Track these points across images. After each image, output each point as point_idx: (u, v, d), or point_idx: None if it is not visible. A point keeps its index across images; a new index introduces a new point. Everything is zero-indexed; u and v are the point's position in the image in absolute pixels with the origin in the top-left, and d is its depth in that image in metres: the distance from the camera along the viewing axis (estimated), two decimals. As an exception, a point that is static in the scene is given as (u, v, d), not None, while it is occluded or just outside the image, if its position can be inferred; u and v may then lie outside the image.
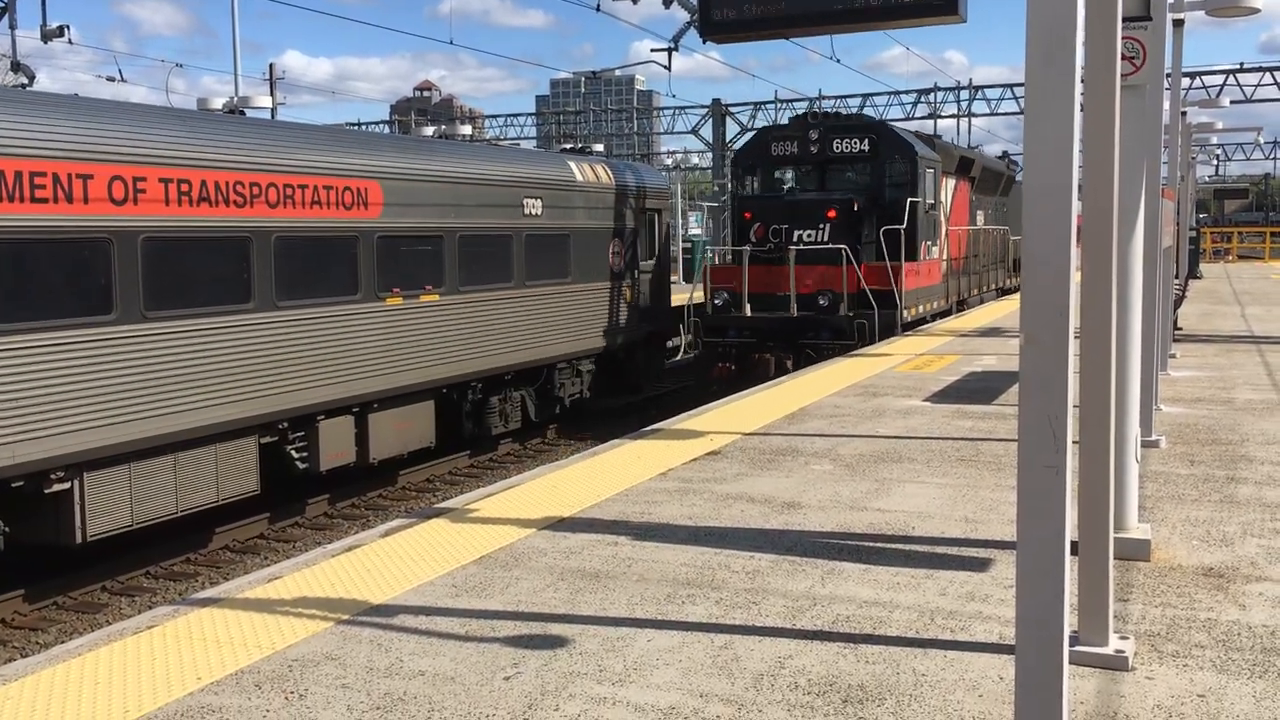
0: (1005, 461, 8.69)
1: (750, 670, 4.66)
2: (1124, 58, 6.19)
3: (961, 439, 9.62)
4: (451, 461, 16.53)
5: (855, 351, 16.69)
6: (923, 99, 53.33)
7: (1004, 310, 23.63)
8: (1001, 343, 17.10)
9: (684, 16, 20.91)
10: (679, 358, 22.19)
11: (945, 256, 22.11)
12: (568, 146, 23.51)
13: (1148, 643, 4.93)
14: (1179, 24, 14.70)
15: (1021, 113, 51.92)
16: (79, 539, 10.23)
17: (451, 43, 36.65)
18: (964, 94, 54.01)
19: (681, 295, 22.34)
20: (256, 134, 12.47)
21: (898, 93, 53.24)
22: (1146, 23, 6.04)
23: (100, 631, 5.27)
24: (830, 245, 18.30)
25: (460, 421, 16.28)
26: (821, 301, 18.28)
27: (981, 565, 6.08)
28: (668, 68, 22.22)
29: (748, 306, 18.74)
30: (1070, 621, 4.93)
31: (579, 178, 18.35)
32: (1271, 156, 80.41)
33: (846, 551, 6.36)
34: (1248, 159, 77.64)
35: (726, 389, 16.59)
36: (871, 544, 6.51)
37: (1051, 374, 3.04)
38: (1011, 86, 53.44)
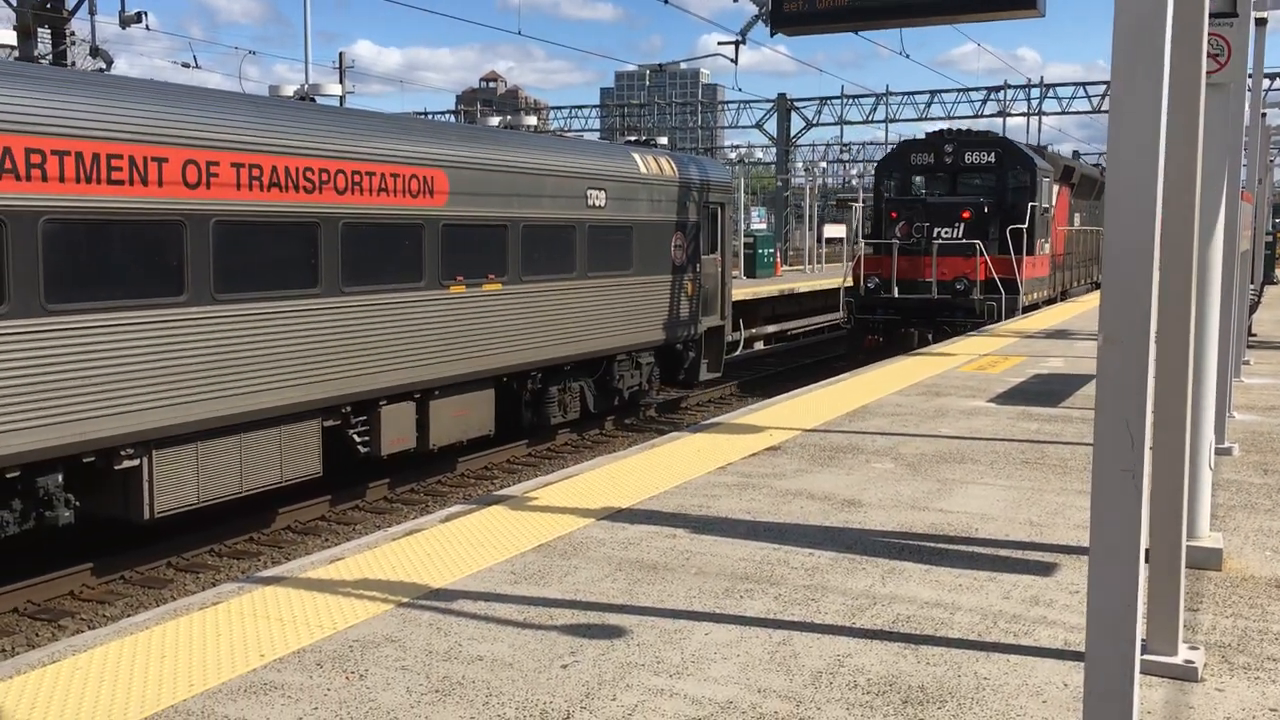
0: (1071, 465, 8.54)
1: (809, 667, 4.62)
2: (1209, 55, 6.04)
3: (1026, 441, 9.47)
4: (510, 450, 16.62)
5: (918, 350, 16.53)
6: (992, 96, 52.64)
7: (1073, 312, 23.25)
8: (1068, 345, 16.82)
9: (752, 9, 20.79)
10: (736, 353, 22.14)
11: (1051, 252, 25.86)
12: (631, 139, 23.51)
13: (1218, 654, 4.82)
14: (1262, 22, 14.32)
15: (1094, 111, 51.01)
16: (147, 515, 10.43)
17: (520, 33, 36.94)
18: (1034, 92, 53.19)
19: (743, 290, 22.22)
20: (326, 121, 12.61)
21: (966, 89, 52.61)
22: (1232, 19, 5.90)
23: (166, 606, 5.37)
24: (965, 240, 22.21)
25: (519, 410, 16.35)
26: (958, 286, 22.13)
27: (1046, 570, 5.98)
28: (734, 61, 22.13)
29: (896, 289, 22.61)
30: (1140, 629, 4.84)
31: (643, 170, 18.33)
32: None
33: (908, 551, 6.29)
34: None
35: (875, 356, 19.98)
36: (933, 544, 6.43)
37: (1130, 376, 2.97)
38: (1084, 85, 52.54)
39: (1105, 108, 52.55)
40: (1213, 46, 5.97)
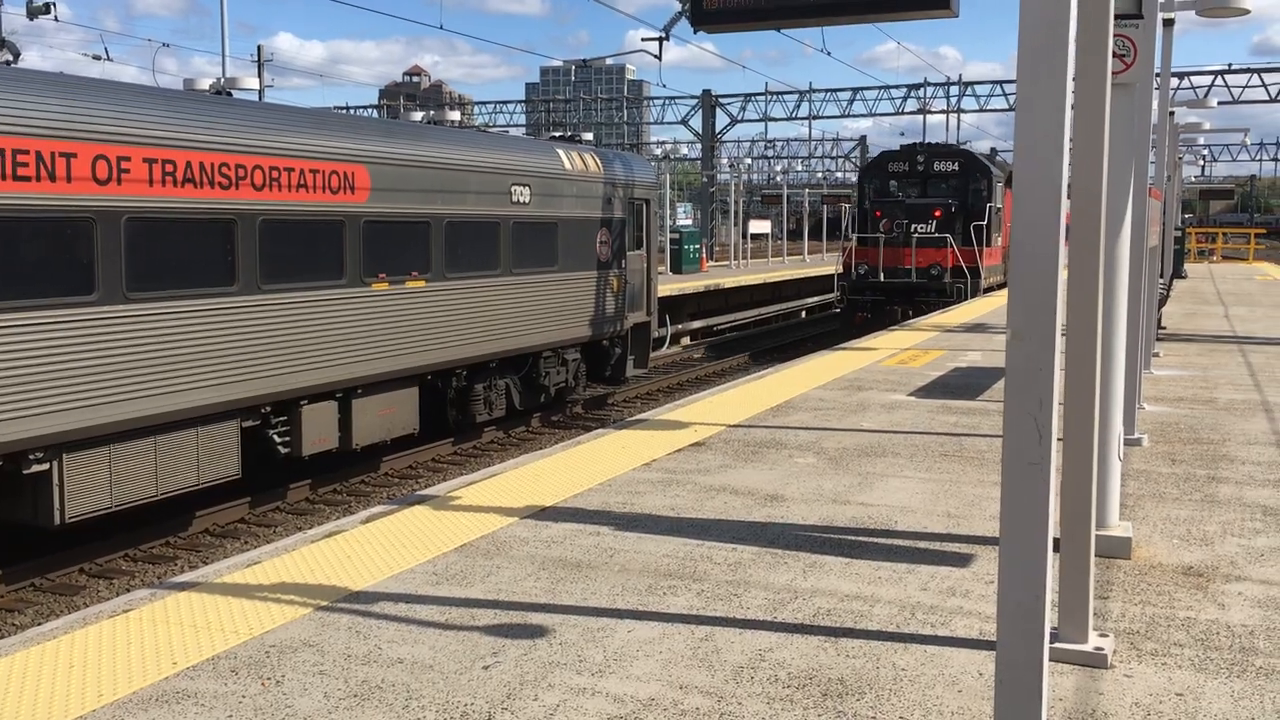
0: (989, 457, 8.70)
1: (730, 662, 4.64)
2: (1115, 55, 6.19)
3: (945, 434, 9.63)
4: (435, 448, 16.47)
5: (842, 345, 16.72)
6: (913, 94, 53.41)
7: (990, 307, 23.69)
8: (986, 339, 17.14)
9: (676, 6, 20.85)
10: (663, 350, 22.22)
11: (1003, 244, 30.62)
12: (557, 135, 23.44)
13: (1127, 641, 4.94)
14: (1169, 23, 14.71)
15: (1011, 109, 52.24)
16: (58, 521, 10.16)
17: (441, 27, 36.26)
18: (954, 90, 54.08)
19: (669, 286, 22.32)
20: (243, 115, 12.38)
21: (888, 87, 53.30)
22: (1138, 20, 6.04)
23: (76, 614, 5.23)
24: (937, 234, 27.19)
25: (444, 408, 16.23)
26: (932, 272, 27.12)
27: (963, 561, 6.08)
28: (659, 57, 22.21)
29: (882, 275, 27.41)
30: (1050, 618, 4.94)
31: (568, 166, 18.28)
32: (1258, 158, 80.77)
33: (829, 545, 6.35)
34: (1234, 160, 77.99)
35: (859, 331, 23.33)
36: (854, 538, 6.51)
37: (1037, 370, 3.03)
38: (1001, 83, 53.53)
39: (1022, 106, 53.64)
40: (1119, 47, 6.10)
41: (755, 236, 48.51)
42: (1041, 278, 3.01)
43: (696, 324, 31.76)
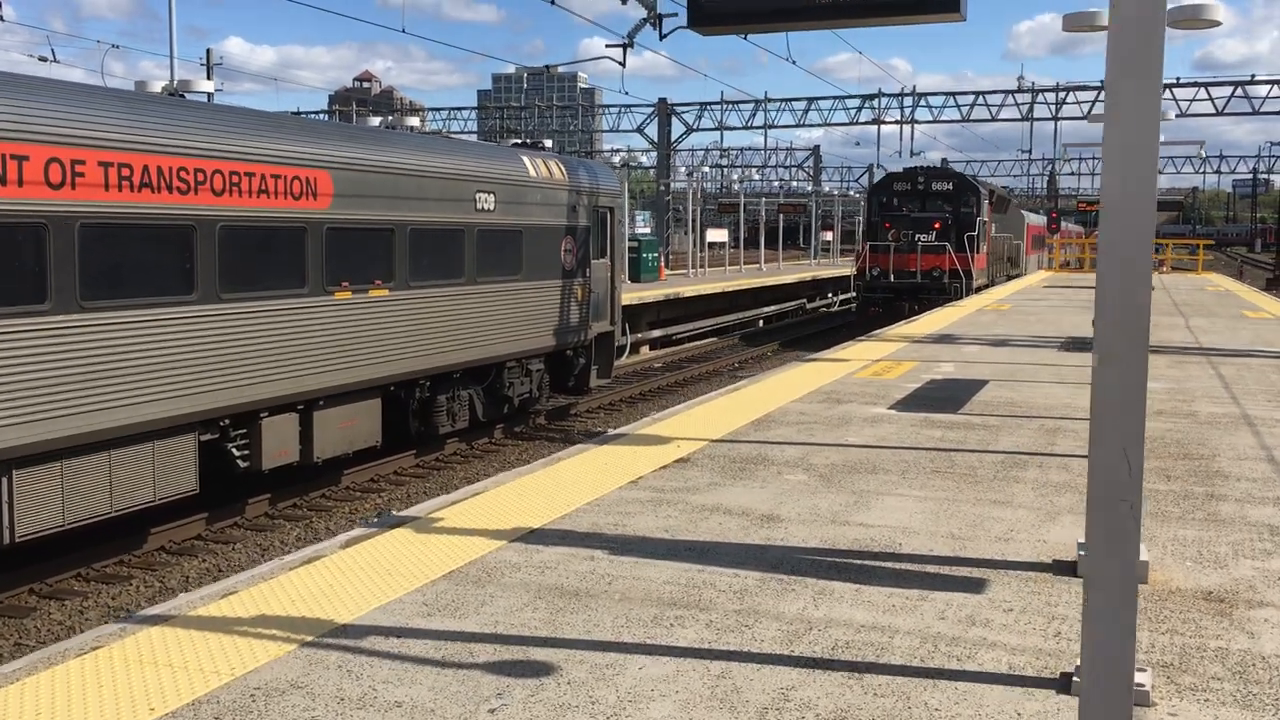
0: (980, 474, 8.50)
1: (754, 703, 4.36)
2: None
3: (933, 449, 9.42)
4: (397, 460, 16.06)
5: (814, 356, 16.54)
6: (867, 104, 53.62)
7: (955, 317, 23.66)
8: (955, 350, 17.03)
9: (640, 14, 20.66)
10: (623, 359, 21.95)
11: (987, 252, 36.95)
12: (516, 142, 23.08)
13: (1164, 675, 4.71)
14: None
15: (964, 120, 52.30)
16: (7, 539, 9.65)
17: (404, 30, 35.48)
18: (908, 101, 54.37)
19: (629, 295, 22.06)
20: (202, 118, 11.93)
21: (843, 98, 53.47)
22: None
23: (39, 653, 4.82)
24: (937, 243, 32.93)
25: (407, 420, 15.81)
26: (934, 274, 32.79)
27: (976, 586, 5.84)
28: (622, 64, 21.97)
29: (892, 276, 33.16)
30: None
31: (532, 173, 17.95)
32: (1201, 171, 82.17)
33: (835, 569, 6.09)
34: (1178, 172, 79.25)
35: (873, 324, 27.89)
36: (859, 561, 6.25)
37: (1129, 398, 2.77)
38: (954, 94, 53.89)
39: (974, 117, 54.02)
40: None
41: (713, 245, 48.35)
42: (1132, 296, 2.76)
43: (656, 333, 31.51)
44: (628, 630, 5.12)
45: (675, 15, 18.11)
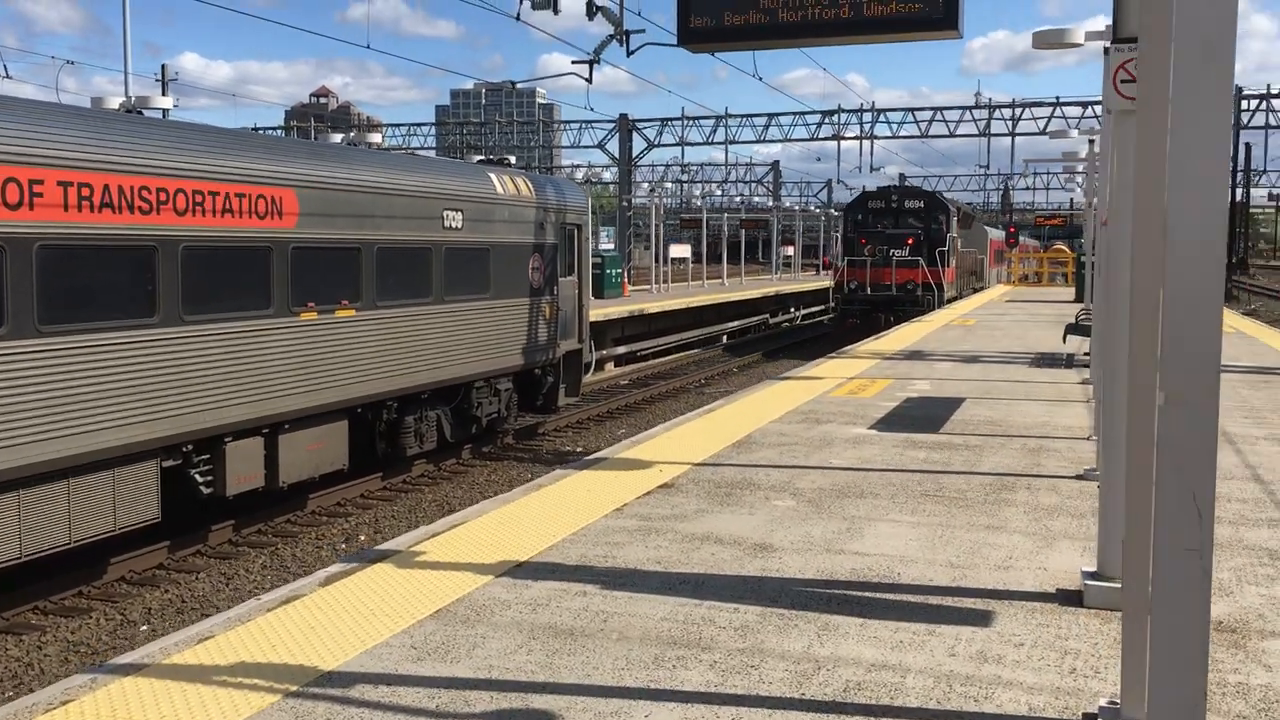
0: (970, 498, 8.36)
1: (770, 753, 4.14)
2: (1134, 80, 5.88)
3: (919, 471, 9.28)
4: (364, 483, 15.72)
5: (787, 374, 16.40)
6: (827, 120, 53.87)
7: (922, 333, 23.66)
8: (927, 367, 16.97)
9: (605, 30, 20.54)
10: (588, 376, 21.74)
11: (955, 266, 39.07)
12: (479, 159, 22.84)
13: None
14: (1108, 51, 14.75)
15: (923, 136, 52.79)
16: (-40, 576, 9.26)
17: (369, 46, 34.91)
18: (866, 117, 54.67)
19: (594, 312, 21.89)
20: (164, 136, 11.59)
21: (803, 113, 53.69)
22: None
23: (3, 709, 4.51)
24: (911, 257, 34.75)
25: (373, 442, 15.49)
26: (908, 287, 34.48)
27: (983, 619, 5.67)
28: (589, 80, 21.83)
29: (869, 289, 34.79)
30: (1113, 692, 4.54)
31: (500, 190, 17.71)
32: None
33: (835, 602, 5.89)
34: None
35: (852, 335, 29.07)
36: (859, 593, 6.06)
37: (1198, 440, 2.60)
38: (913, 110, 54.25)
39: (933, 133, 54.41)
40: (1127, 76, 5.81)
41: (675, 260, 48.28)
42: (1203, 328, 2.58)
43: (621, 349, 31.31)
44: (629, 673, 4.89)
45: (643, 31, 17.96)
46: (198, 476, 12.15)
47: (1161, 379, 2.67)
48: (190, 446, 11.87)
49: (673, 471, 9.17)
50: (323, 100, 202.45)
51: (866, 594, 6.05)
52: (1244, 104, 50.96)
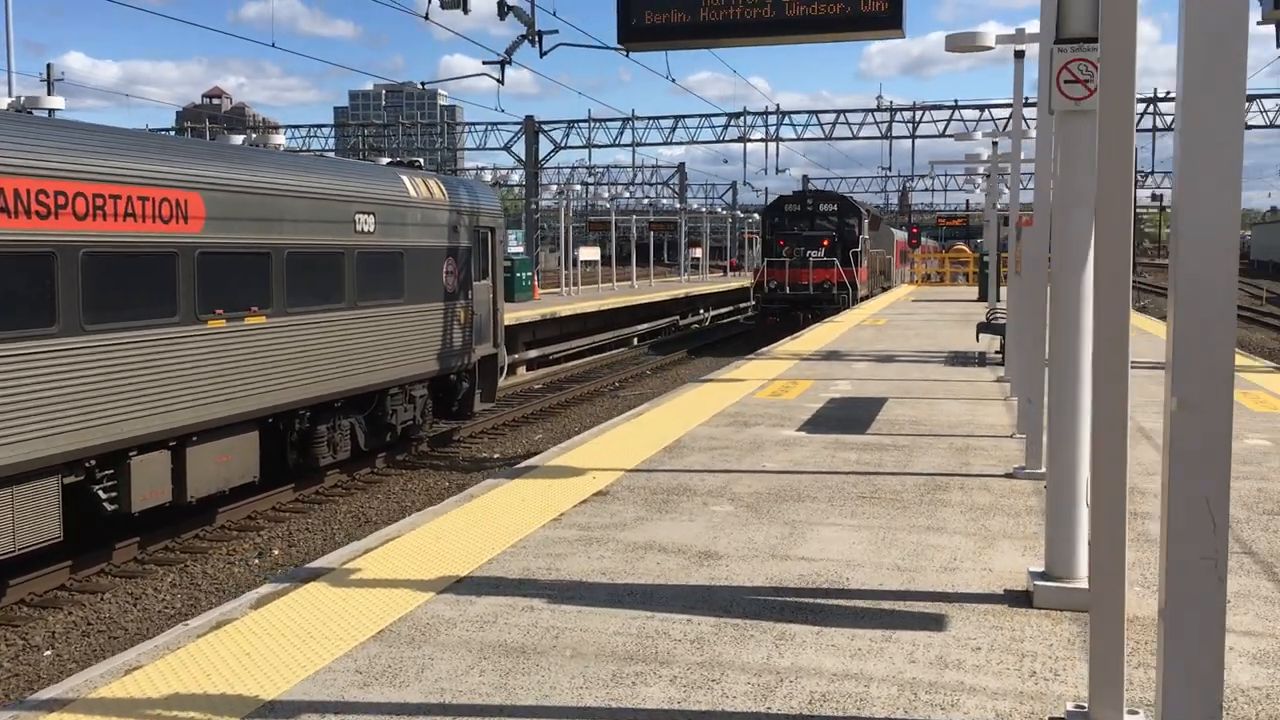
0: (907, 499, 8.35)
1: (745, 772, 4.01)
2: (1076, 80, 5.90)
3: (852, 473, 9.26)
4: (275, 495, 15.23)
5: (710, 377, 16.35)
6: (733, 122, 54.17)
7: (836, 333, 23.86)
8: (846, 367, 17.08)
9: (516, 30, 20.29)
10: (502, 380, 21.47)
11: (867, 265, 40.95)
12: (387, 161, 22.40)
13: (1150, 714, 4.54)
14: (1019, 55, 14.98)
15: (827, 139, 53.33)
16: None
17: (274, 45, 33.79)
18: (772, 119, 55.11)
19: (508, 316, 21.65)
20: (63, 137, 11.06)
21: (709, 115, 53.93)
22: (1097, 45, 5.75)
23: (-86, 755, 4.17)
24: (827, 258, 36.36)
25: (285, 452, 15.03)
26: (825, 286, 36.04)
27: (937, 624, 5.62)
28: (500, 81, 21.54)
29: (788, 288, 36.37)
30: (1084, 696, 4.51)
31: (413, 193, 17.35)
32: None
33: (789, 610, 5.79)
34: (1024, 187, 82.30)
35: (772, 333, 30.41)
36: (811, 600, 5.97)
37: (1212, 448, 2.53)
38: (817, 113, 54.88)
39: (837, 135, 55.10)
40: (1081, 72, 5.83)
41: (586, 263, 48.10)
42: (1217, 334, 2.51)
43: (533, 353, 31.03)
44: (588, 691, 4.72)
45: (556, 32, 17.77)
46: (101, 493, 11.62)
47: (1173, 386, 2.60)
48: (93, 462, 11.34)
49: (606, 478, 9.00)
50: (216, 101, 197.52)
51: (818, 600, 5.96)
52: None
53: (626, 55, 19.22)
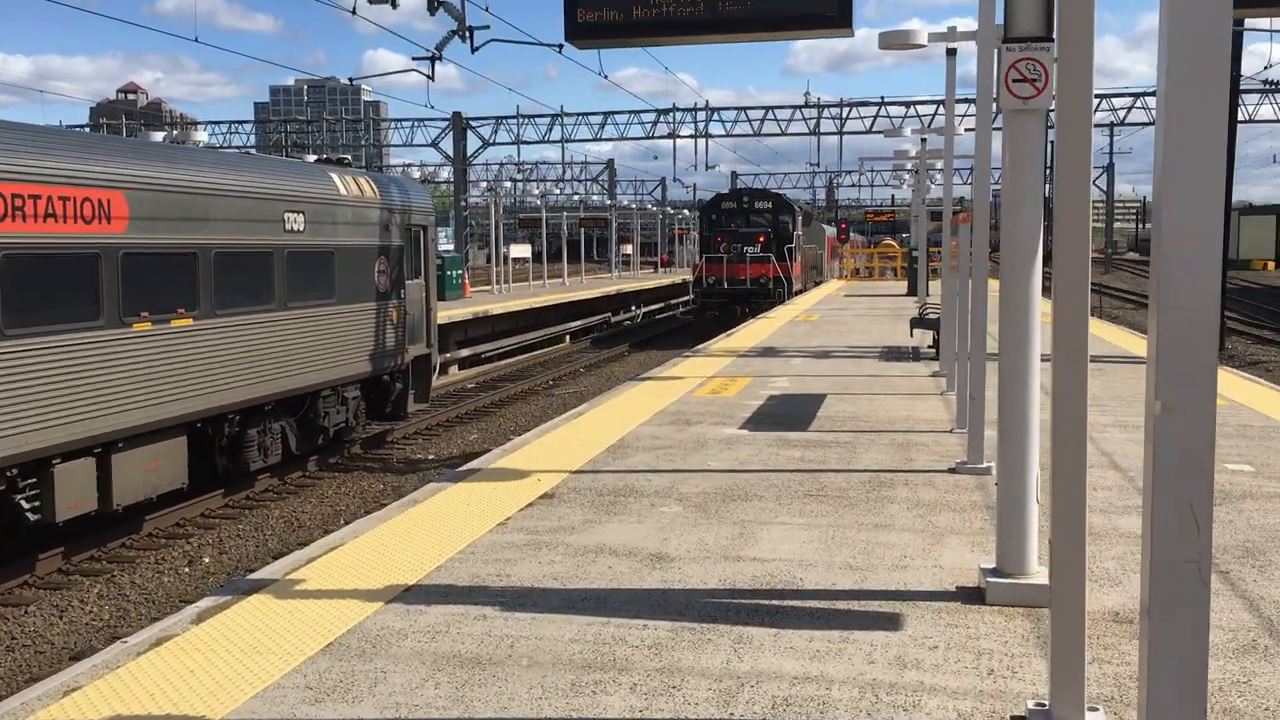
0: (854, 496, 8.37)
1: (713, 782, 3.95)
2: (1024, 79, 5.93)
3: (797, 471, 9.26)
4: (204, 501, 14.86)
5: (648, 375, 16.30)
6: (663, 119, 54.21)
7: (771, 329, 23.95)
8: (783, 363, 17.13)
9: (445, 26, 20.01)
10: (435, 380, 21.23)
11: (800, 261, 42.24)
12: (315, 158, 21.99)
13: (1110, 710, 4.58)
14: (951, 53, 15.12)
15: (756, 135, 53.69)
16: None
17: (196, 40, 32.88)
18: (700, 115, 55.25)
19: (446, 312, 21.39)
20: (-22, 133, 10.66)
21: (639, 112, 53.91)
22: (1048, 44, 5.79)
23: None
24: (763, 254, 37.65)
25: (214, 457, 14.68)
26: (761, 281, 37.27)
27: (892, 623, 5.61)
28: (430, 77, 21.25)
29: (726, 284, 37.39)
30: (1042, 693, 4.52)
31: (343, 191, 17.04)
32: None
33: (744, 613, 5.75)
34: (963, 183, 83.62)
35: (709, 328, 31.95)
36: (766, 601, 5.94)
37: (1195, 451, 2.52)
38: (746, 109, 55.13)
39: (765, 131, 55.43)
40: (1028, 71, 5.86)
41: (517, 260, 47.80)
42: (1199, 335, 2.50)
43: (465, 352, 30.75)
44: (548, 702, 4.63)
45: (488, 28, 17.57)
46: (24, 503, 11.23)
47: (1157, 388, 2.58)
48: (15, 471, 10.96)
49: (551, 481, 8.89)
50: (131, 97, 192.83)
51: (773, 602, 5.93)
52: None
53: (559, 51, 19.06)
